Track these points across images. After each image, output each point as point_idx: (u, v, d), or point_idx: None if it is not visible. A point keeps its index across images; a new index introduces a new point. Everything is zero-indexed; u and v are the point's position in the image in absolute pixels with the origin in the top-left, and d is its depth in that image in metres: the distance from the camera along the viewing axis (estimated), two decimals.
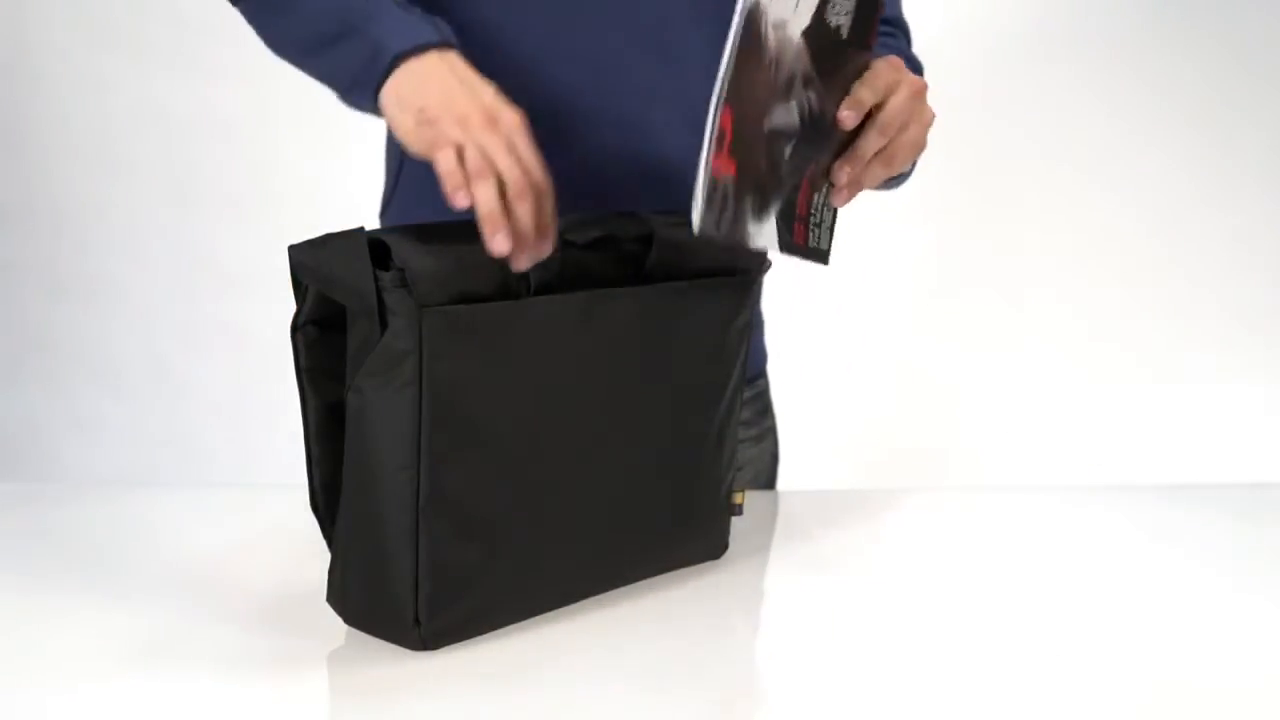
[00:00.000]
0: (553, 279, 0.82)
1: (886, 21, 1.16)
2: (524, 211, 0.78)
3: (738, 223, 0.82)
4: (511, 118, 0.82)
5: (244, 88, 2.91)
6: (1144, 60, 2.93)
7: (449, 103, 0.82)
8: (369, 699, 0.74)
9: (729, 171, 0.80)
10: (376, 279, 0.76)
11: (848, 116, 0.88)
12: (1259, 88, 2.94)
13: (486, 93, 0.83)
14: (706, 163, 0.78)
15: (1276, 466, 3.00)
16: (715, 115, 0.77)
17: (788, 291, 3.08)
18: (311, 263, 0.79)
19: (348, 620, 0.83)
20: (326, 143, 2.84)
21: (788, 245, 0.88)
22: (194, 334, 3.06)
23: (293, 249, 0.80)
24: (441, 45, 0.86)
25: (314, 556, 0.96)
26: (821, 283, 3.04)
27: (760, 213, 0.84)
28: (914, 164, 1.02)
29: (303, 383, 0.86)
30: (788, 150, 0.85)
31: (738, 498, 1.03)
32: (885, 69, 0.91)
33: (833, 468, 3.08)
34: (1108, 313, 3.02)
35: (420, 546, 0.78)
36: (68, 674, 0.77)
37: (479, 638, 0.82)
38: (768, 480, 1.28)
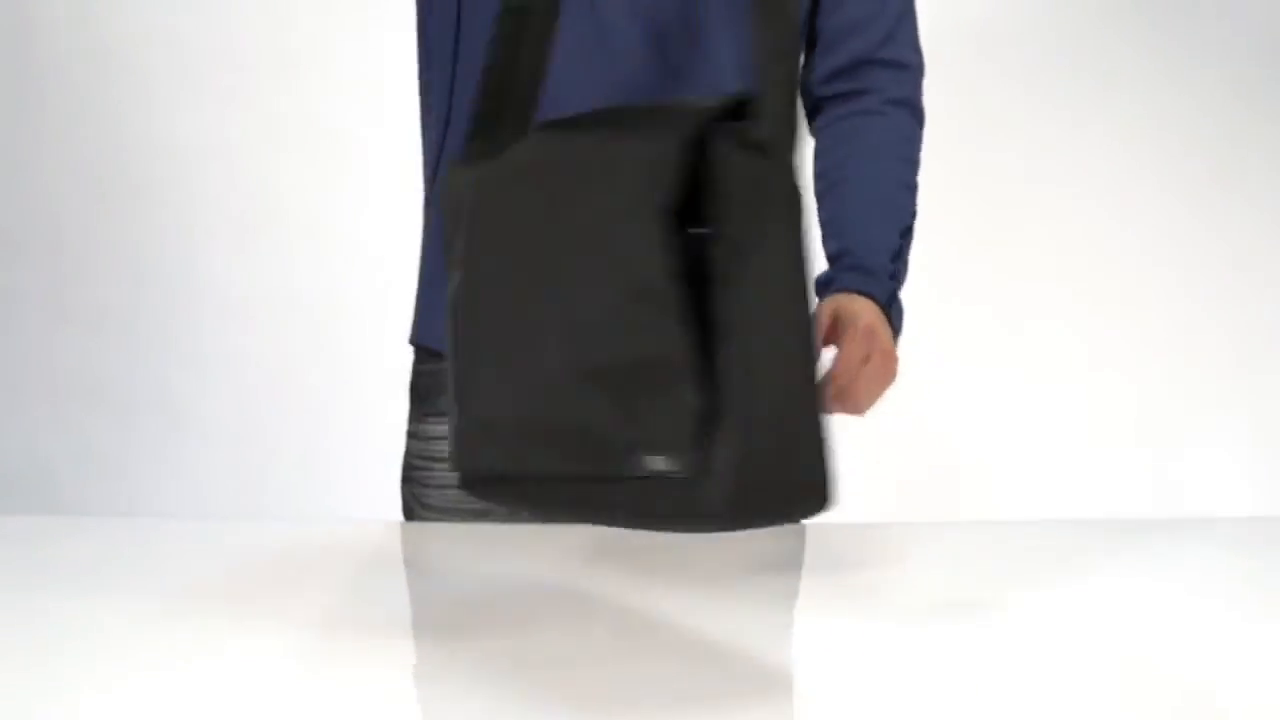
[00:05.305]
0: None
1: (882, 64, 1.20)
2: None
3: None
4: None
5: (248, 114, 2.92)
6: (1143, 77, 2.94)
7: None
8: (369, 700, 0.73)
9: None
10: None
11: None
12: (1260, 103, 2.94)
13: None
14: None
15: (1276, 497, 2.98)
16: None
17: None
18: None
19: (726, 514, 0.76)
20: (331, 169, 2.84)
21: None
22: (197, 362, 3.05)
23: None
24: None
25: (316, 589, 0.95)
26: None
27: None
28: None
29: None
30: None
31: None
32: (854, 348, 1.09)
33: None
34: (1107, 336, 3.00)
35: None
36: (69, 706, 0.75)
37: (480, 637, 0.81)
38: None
